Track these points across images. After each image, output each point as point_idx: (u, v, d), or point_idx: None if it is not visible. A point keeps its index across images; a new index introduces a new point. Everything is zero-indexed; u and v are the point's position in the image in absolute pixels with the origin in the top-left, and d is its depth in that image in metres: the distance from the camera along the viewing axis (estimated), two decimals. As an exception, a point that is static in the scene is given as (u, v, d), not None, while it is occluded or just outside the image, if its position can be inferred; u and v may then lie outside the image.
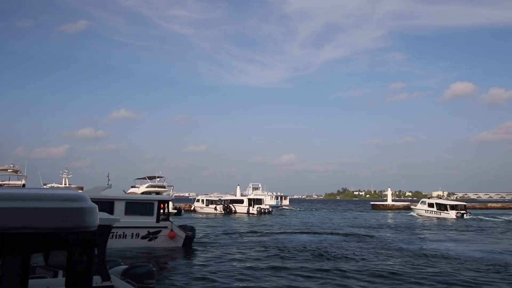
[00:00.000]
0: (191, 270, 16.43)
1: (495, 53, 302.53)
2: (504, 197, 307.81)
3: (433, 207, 60.47)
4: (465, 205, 62.17)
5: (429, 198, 69.10)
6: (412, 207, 70.29)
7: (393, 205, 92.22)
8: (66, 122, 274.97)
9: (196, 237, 23.70)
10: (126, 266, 6.85)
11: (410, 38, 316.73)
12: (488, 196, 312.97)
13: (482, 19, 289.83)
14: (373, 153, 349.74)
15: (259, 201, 64.55)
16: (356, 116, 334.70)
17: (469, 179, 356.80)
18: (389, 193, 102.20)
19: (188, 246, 22.23)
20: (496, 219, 54.24)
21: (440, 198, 71.18)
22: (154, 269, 7.05)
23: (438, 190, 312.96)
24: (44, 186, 69.10)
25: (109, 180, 55.25)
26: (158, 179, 61.41)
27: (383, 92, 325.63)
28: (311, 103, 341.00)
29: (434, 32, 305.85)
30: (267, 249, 22.64)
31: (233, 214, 61.16)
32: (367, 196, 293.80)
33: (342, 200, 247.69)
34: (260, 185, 69.42)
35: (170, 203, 57.64)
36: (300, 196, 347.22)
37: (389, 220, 51.97)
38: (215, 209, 64.08)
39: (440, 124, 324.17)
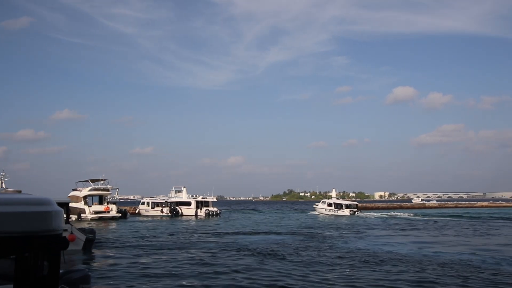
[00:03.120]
0: (102, 272, 16.52)
1: (433, 58, 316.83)
2: (441, 197, 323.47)
3: (331, 206, 69.21)
4: (356, 204, 73.94)
5: (332, 198, 77.47)
6: (314, 206, 78.51)
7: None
8: (4, 123, 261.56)
9: (96, 239, 23.87)
10: (61, 271, 6.61)
11: (353, 43, 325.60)
12: (426, 196, 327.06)
13: (420, 26, 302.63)
14: (319, 155, 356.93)
15: (207, 203, 64.00)
16: (302, 119, 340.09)
17: (409, 180, 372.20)
18: (333, 194, 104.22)
19: (88, 249, 22.23)
20: (381, 215, 64.27)
21: (338, 198, 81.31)
22: (90, 273, 6.89)
23: (380, 191, 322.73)
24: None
25: (2, 183, 52.71)
26: (102, 181, 59.68)
27: (329, 95, 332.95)
28: (257, 105, 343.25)
29: (376, 38, 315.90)
30: (170, 251, 23.04)
31: (180, 217, 60.41)
32: (313, 197, 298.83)
33: (287, 201, 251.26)
34: (182, 188, 69.11)
35: (114, 206, 56.98)
36: (247, 198, 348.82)
37: (297, 221, 53.61)
38: (161, 211, 62.92)
39: (383, 127, 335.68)
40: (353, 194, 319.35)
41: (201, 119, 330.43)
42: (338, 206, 68.49)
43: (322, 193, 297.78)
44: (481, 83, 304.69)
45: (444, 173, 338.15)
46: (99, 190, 57.85)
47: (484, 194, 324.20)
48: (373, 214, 69.31)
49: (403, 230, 38.47)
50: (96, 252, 23.02)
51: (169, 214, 61.73)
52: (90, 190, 57.13)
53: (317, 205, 75.82)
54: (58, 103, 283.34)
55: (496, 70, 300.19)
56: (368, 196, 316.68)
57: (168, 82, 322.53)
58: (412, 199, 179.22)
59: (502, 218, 58.58)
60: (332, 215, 65.92)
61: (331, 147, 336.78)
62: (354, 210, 67.79)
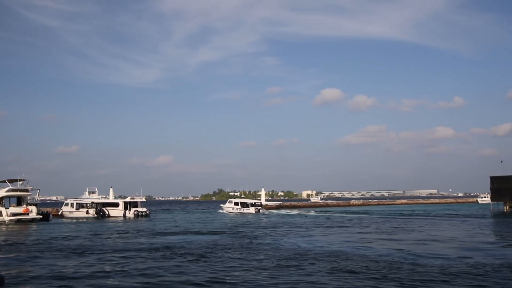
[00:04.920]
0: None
1: (358, 62, 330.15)
2: (364, 195, 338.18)
3: (238, 205, 74.49)
4: (261, 202, 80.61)
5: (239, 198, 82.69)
6: (221, 205, 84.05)
7: (266, 204, 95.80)
8: None
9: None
10: None
11: (282, 44, 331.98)
12: (351, 194, 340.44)
13: (346, 31, 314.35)
14: (249, 154, 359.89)
15: (135, 204, 62.41)
16: (232, 118, 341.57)
17: (335, 178, 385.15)
18: (262, 193, 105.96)
19: None
20: (282, 213, 72.23)
21: (242, 197, 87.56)
22: (3, 275, 6.56)
23: (307, 190, 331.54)
24: None
25: None
26: (21, 182, 56.51)
27: (260, 96, 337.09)
28: (187, 104, 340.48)
29: (304, 40, 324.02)
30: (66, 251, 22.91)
31: (107, 218, 58.49)
32: (242, 196, 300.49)
33: (216, 201, 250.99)
34: (96, 189, 67.59)
35: (34, 207, 54.00)
36: (176, 198, 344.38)
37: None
38: (87, 213, 60.49)
39: (311, 127, 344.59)
40: (282, 193, 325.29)
41: (129, 117, 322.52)
42: (244, 205, 73.60)
43: (251, 192, 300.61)
44: (402, 87, 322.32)
45: (368, 172, 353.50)
46: (17, 191, 54.74)
47: (404, 192, 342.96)
48: (275, 211, 76.83)
49: (298, 227, 40.82)
50: (7, 255, 21.97)
51: (95, 216, 59.54)
52: (7, 191, 53.91)
53: (224, 204, 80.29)
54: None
55: (415, 75, 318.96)
56: (296, 195, 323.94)
57: (93, 79, 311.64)
58: (311, 197, 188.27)
59: (402, 214, 62.73)
60: (238, 213, 70.61)
61: (261, 147, 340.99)
62: (259, 208, 73.41)
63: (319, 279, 15.11)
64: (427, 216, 59.39)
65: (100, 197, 65.41)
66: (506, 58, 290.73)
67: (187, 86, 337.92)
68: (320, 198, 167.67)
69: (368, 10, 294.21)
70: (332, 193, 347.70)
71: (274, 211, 79.58)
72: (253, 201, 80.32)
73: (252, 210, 71.27)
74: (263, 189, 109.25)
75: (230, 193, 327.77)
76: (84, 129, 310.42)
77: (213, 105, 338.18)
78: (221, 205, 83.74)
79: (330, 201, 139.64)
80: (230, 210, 74.68)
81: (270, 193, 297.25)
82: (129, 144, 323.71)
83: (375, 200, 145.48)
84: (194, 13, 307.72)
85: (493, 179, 65.86)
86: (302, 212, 76.52)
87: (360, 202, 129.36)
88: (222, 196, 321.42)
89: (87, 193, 67.69)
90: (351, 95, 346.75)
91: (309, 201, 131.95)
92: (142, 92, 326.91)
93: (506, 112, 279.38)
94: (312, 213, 72.22)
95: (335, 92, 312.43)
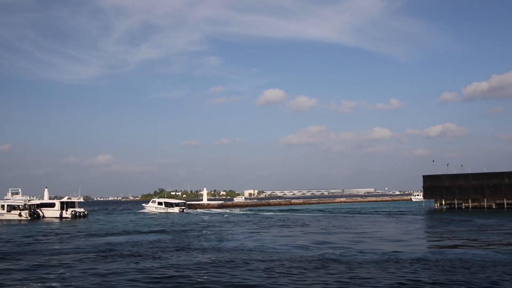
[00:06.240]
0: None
1: (300, 63, 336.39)
2: (305, 194, 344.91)
3: (162, 205, 75.50)
4: (184, 202, 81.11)
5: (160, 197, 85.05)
6: (143, 205, 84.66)
7: (209, 204, 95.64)
8: None
9: None
10: None
11: (225, 44, 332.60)
12: (292, 193, 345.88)
13: (288, 32, 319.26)
14: (191, 154, 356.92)
15: (72, 204, 60.35)
16: (174, 117, 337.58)
17: (277, 178, 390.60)
18: (204, 192, 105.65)
19: None
20: (207, 212, 75.21)
21: (169, 197, 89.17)
22: None
23: (249, 189, 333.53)
24: None
25: None
26: None
27: (203, 95, 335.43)
28: (128, 102, 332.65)
29: (246, 40, 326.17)
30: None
31: (42, 220, 56.11)
32: (184, 196, 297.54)
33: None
34: (19, 190, 65.46)
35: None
36: (116, 198, 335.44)
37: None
38: (20, 215, 57.61)
39: (254, 127, 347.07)
40: (224, 193, 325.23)
41: (66, 115, 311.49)
42: (168, 205, 75.07)
43: (193, 191, 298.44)
44: (342, 89, 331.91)
45: (309, 172, 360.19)
46: None
47: (343, 190, 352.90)
48: (201, 211, 79.57)
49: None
50: None
51: (29, 218, 56.90)
52: None
53: (147, 204, 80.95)
54: None
55: (354, 77, 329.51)
56: (238, 194, 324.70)
57: (27, 74, 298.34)
58: (235, 197, 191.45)
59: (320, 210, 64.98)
60: (163, 213, 71.41)
61: (204, 146, 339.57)
62: (183, 208, 74.70)
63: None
64: (359, 213, 61.58)
65: (24, 198, 62.75)
66: (438, 62, 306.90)
67: (128, 84, 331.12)
68: (245, 198, 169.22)
69: (309, 12, 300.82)
70: (273, 192, 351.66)
71: (197, 210, 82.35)
72: (177, 201, 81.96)
73: (176, 210, 72.97)
74: (205, 188, 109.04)
75: (172, 193, 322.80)
76: (17, 127, 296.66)
77: (155, 103, 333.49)
78: (144, 204, 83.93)
79: (255, 200, 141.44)
80: (153, 210, 75.63)
81: (212, 192, 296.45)
82: (66, 143, 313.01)
83: (316, 199, 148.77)
84: (135, 10, 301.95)
85: (426, 178, 69.35)
86: (236, 211, 77.51)
87: (301, 200, 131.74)
88: (163, 196, 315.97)
89: (9, 194, 64.81)
90: (293, 96, 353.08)
91: (233, 201, 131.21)
92: (80, 89, 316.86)
93: (438, 114, 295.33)
94: (237, 211, 76.60)
95: (278, 92, 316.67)
